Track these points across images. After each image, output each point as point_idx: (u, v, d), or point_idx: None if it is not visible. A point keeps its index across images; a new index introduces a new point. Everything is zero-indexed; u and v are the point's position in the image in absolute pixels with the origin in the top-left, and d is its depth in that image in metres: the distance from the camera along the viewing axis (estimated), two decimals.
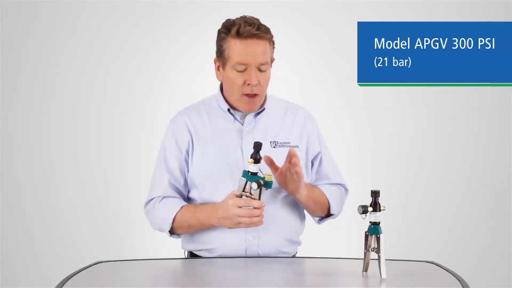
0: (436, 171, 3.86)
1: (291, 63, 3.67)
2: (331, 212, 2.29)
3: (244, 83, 2.16)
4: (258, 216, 2.07)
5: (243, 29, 2.14)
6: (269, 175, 2.07)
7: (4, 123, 3.76)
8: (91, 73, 3.79)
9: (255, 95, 2.19)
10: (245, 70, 2.15)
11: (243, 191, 2.06)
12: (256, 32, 2.14)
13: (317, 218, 2.33)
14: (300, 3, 3.80)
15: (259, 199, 2.06)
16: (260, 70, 2.16)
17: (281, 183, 2.15)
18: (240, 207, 2.06)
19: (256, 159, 2.03)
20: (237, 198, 2.07)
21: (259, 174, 2.06)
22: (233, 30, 2.15)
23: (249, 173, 2.05)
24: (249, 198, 2.06)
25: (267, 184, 2.07)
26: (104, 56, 3.79)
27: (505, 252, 3.80)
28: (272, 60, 2.22)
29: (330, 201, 2.27)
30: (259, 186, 2.04)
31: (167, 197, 2.24)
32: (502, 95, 3.79)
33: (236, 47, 2.15)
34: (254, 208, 2.06)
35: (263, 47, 2.16)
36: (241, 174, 2.06)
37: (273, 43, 2.22)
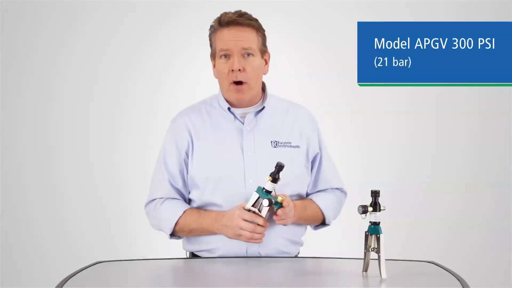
0: (436, 171, 3.86)
1: (291, 63, 3.68)
2: (326, 222, 2.31)
3: (229, 70, 2.18)
4: (260, 233, 2.08)
5: (224, 17, 2.18)
6: (282, 197, 2.08)
7: (4, 123, 3.76)
8: (91, 73, 3.79)
9: (242, 83, 2.19)
10: (230, 58, 2.17)
11: (253, 206, 2.07)
12: (236, 18, 2.17)
13: (312, 226, 2.35)
14: (300, 3, 3.79)
15: (266, 217, 2.07)
16: (244, 57, 2.17)
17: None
18: (245, 220, 2.07)
19: (275, 178, 2.04)
20: (244, 211, 2.08)
21: (273, 194, 2.07)
22: (217, 22, 2.20)
23: (264, 190, 2.06)
24: (255, 214, 2.07)
25: (277, 205, 2.08)
26: (104, 56, 3.79)
27: (505, 252, 3.80)
28: (262, 50, 2.22)
29: (325, 214, 2.28)
30: (270, 204, 2.05)
31: (169, 199, 2.24)
32: (502, 95, 3.79)
33: (219, 36, 2.19)
34: (258, 224, 2.07)
35: (246, 34, 2.18)
36: (255, 189, 2.08)
37: (262, 33, 2.22)
